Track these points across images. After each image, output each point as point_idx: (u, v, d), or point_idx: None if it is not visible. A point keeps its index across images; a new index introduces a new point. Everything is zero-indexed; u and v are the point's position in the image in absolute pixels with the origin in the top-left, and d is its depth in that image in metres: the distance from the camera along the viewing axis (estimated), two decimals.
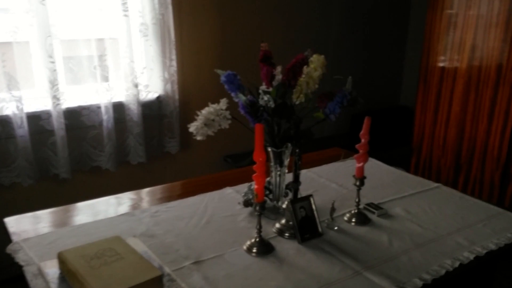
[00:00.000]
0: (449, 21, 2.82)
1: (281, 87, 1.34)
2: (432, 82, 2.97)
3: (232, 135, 2.18)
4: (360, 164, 1.42)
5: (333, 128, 3.62)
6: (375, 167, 1.91)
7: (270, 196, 1.49)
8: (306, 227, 1.34)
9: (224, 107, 1.35)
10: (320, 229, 1.36)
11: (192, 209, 1.52)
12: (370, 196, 1.61)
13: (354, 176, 1.44)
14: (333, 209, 1.42)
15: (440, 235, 1.37)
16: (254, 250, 1.26)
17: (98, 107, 2.50)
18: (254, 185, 1.21)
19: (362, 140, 1.39)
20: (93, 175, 2.62)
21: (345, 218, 1.46)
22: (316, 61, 1.35)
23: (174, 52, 2.65)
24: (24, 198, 2.42)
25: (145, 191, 1.70)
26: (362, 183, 1.44)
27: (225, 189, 1.68)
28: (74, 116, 2.46)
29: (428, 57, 2.97)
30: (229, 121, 1.36)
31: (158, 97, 2.71)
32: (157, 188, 1.73)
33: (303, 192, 1.43)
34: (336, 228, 1.40)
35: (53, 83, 2.31)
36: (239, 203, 1.53)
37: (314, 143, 1.48)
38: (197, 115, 1.33)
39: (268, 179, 1.46)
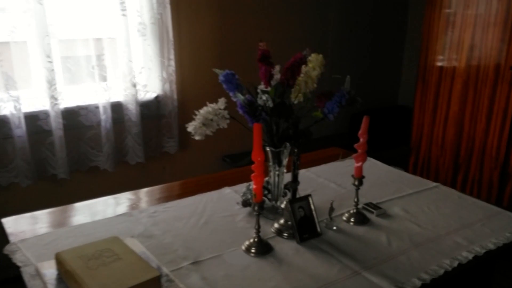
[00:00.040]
0: (447, 21, 2.82)
1: (280, 86, 1.34)
2: (431, 82, 2.97)
3: (230, 135, 2.18)
4: (359, 164, 1.42)
5: (332, 128, 3.62)
6: (373, 167, 1.91)
7: (269, 196, 1.49)
8: (304, 227, 1.34)
9: (222, 107, 1.34)
10: (318, 229, 1.36)
11: (190, 209, 1.52)
12: (368, 196, 1.60)
13: (352, 175, 1.44)
14: (331, 209, 1.41)
15: (439, 234, 1.37)
16: (253, 250, 1.26)
17: (96, 107, 2.49)
18: (253, 185, 1.21)
19: (361, 140, 1.39)
20: (91, 175, 2.61)
21: (344, 218, 1.46)
22: (314, 60, 1.35)
23: (172, 51, 2.64)
24: (22, 198, 2.41)
25: (143, 191, 1.70)
26: (360, 183, 1.44)
27: (223, 189, 1.67)
28: (72, 116, 2.45)
29: (427, 57, 2.97)
30: (228, 121, 1.36)
31: (156, 97, 2.70)
32: (156, 188, 1.72)
33: (301, 192, 1.43)
34: (334, 228, 1.40)
35: (51, 83, 2.30)
36: (237, 203, 1.53)
37: (312, 142, 1.47)
38: (196, 115, 1.33)
39: (266, 179, 1.45)
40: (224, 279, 1.14)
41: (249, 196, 1.48)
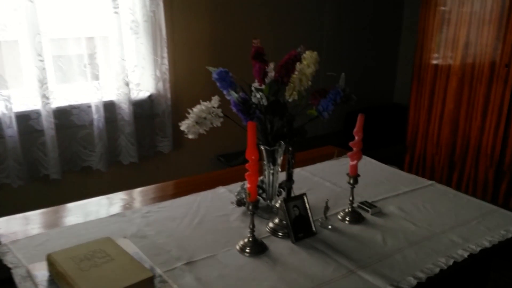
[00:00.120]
0: (442, 18, 2.81)
1: (274, 84, 1.33)
2: (426, 80, 2.97)
3: (224, 134, 2.16)
4: (354, 162, 1.41)
5: (327, 126, 3.61)
6: (369, 165, 1.91)
7: (263, 195, 1.48)
8: (299, 226, 1.33)
9: (216, 105, 1.33)
10: (313, 228, 1.35)
11: (184, 209, 1.50)
12: (364, 195, 1.60)
13: (348, 174, 1.43)
14: (327, 208, 1.41)
15: (434, 233, 1.37)
16: (247, 250, 1.25)
17: (89, 106, 2.47)
18: (247, 184, 1.20)
19: (356, 138, 1.38)
20: (84, 175, 2.59)
21: (339, 217, 1.45)
22: (309, 57, 1.34)
23: (165, 50, 2.62)
24: (14, 199, 2.39)
25: (136, 191, 1.68)
26: (356, 181, 1.43)
27: (217, 189, 1.66)
28: (64, 115, 2.43)
29: (422, 55, 2.97)
30: (221, 119, 1.34)
31: (149, 96, 2.68)
32: (149, 188, 1.71)
33: (296, 191, 1.42)
34: (330, 227, 1.39)
35: (42, 82, 2.28)
36: (232, 203, 1.51)
37: (307, 141, 1.46)
38: (189, 113, 1.31)
39: (261, 178, 1.44)
40: (218, 280, 1.13)
41: (244, 196, 1.47)
